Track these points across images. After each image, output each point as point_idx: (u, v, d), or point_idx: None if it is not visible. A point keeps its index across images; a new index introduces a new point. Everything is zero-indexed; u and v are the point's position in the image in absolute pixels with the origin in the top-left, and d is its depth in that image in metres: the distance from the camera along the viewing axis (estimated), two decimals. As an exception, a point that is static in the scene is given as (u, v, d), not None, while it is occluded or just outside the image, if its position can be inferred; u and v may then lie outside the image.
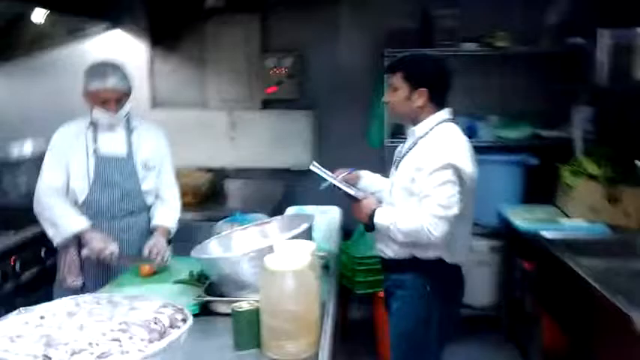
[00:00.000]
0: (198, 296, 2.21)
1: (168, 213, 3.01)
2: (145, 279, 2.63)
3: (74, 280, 2.79)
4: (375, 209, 2.48)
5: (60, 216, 2.74)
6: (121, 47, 4.49)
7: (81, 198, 2.81)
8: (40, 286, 3.12)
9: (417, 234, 2.36)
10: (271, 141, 4.56)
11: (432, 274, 2.47)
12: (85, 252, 2.70)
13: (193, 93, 4.64)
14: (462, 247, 2.52)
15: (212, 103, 4.59)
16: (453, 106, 2.54)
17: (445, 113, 2.50)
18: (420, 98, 2.46)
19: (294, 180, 4.41)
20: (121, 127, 2.90)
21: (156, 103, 4.64)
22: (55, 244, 2.78)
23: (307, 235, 2.32)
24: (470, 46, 4.17)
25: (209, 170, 4.51)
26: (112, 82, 2.76)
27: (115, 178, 2.84)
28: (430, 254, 2.45)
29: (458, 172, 2.33)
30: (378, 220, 2.46)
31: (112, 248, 2.69)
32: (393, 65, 2.55)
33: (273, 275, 1.84)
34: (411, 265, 2.49)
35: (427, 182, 2.34)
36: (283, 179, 4.52)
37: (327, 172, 2.59)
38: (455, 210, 2.32)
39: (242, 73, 4.54)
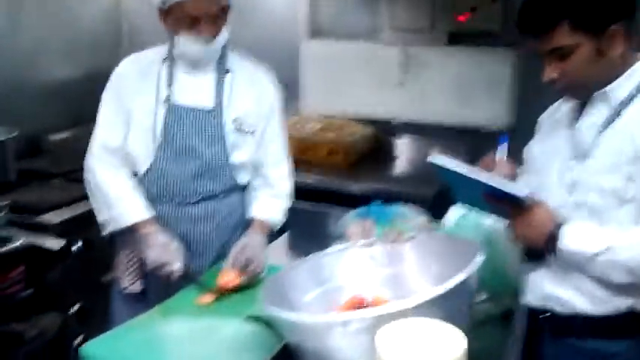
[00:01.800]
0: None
1: (271, 201, 2.08)
2: (209, 304, 1.80)
3: (131, 284, 2.00)
4: (560, 223, 1.45)
5: (114, 195, 1.93)
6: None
7: (142, 168, 1.97)
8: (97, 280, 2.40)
9: None
10: (457, 89, 3.32)
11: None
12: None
13: (362, 20, 3.54)
14: None
15: (384, 34, 3.47)
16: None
17: None
18: (616, 42, 1.43)
19: (485, 145, 3.16)
20: (211, 67, 1.97)
21: (314, 31, 3.65)
22: (103, 232, 1.99)
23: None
24: None
25: (370, 122, 3.46)
26: None
27: (191, 141, 1.95)
28: None
29: None
30: (569, 242, 1.43)
31: (176, 266, 1.84)
32: (540, 17, 1.43)
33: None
34: (630, 325, 1.49)
35: None
36: (470, 143, 3.30)
37: (461, 165, 1.48)
38: None
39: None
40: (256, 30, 3.54)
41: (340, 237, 2.07)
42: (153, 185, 1.97)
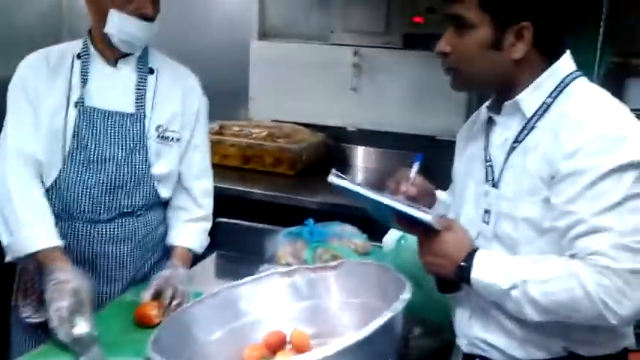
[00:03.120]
0: None
1: (194, 226, 1.88)
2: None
3: (31, 315, 1.77)
4: (473, 250, 1.27)
5: (22, 216, 1.68)
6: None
7: (49, 178, 1.73)
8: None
9: (579, 304, 1.16)
10: (413, 94, 3.15)
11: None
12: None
13: (315, 22, 3.35)
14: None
15: (334, 35, 3.28)
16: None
17: (567, 62, 1.30)
18: (520, 43, 1.25)
19: (440, 153, 3.00)
20: (132, 64, 1.77)
21: (265, 33, 3.45)
22: (6, 257, 1.75)
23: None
24: None
25: (322, 128, 3.27)
26: None
27: (107, 149, 1.73)
28: (608, 346, 1.27)
29: None
30: (481, 273, 1.25)
31: (62, 306, 1.52)
32: None
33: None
34: None
35: (586, 201, 1.16)
36: (425, 151, 3.13)
37: (361, 186, 1.33)
38: None
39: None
40: (207, 31, 3.35)
41: (270, 259, 1.89)
42: (61, 198, 1.73)
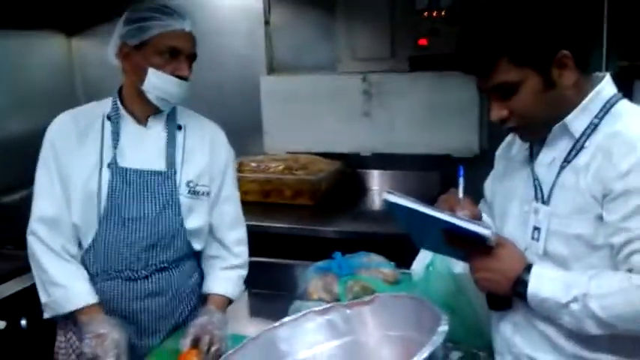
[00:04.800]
0: None
1: (228, 273, 1.91)
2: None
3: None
4: (529, 265, 1.30)
5: (53, 278, 1.74)
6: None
7: (85, 240, 1.78)
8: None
9: None
10: (424, 115, 3.19)
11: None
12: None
13: (322, 54, 3.40)
14: None
15: (342, 64, 3.34)
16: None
17: (609, 84, 1.34)
18: (566, 71, 1.27)
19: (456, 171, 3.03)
20: (162, 123, 1.83)
21: (275, 67, 3.52)
22: (44, 314, 1.81)
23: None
24: None
25: (334, 157, 3.32)
26: (189, 24, 1.74)
27: (141, 207, 1.77)
28: None
29: None
30: (538, 288, 1.28)
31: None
32: (477, 56, 1.28)
33: None
34: None
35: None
36: (440, 170, 3.18)
37: (418, 203, 1.31)
38: None
39: (382, 19, 3.18)
40: (217, 70, 3.42)
41: (302, 294, 1.92)
42: (98, 259, 1.77)
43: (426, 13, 3.08)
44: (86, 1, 3.52)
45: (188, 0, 1.88)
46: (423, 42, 3.12)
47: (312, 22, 3.38)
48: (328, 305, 1.51)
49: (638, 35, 2.78)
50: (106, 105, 1.82)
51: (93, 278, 1.77)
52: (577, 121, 1.31)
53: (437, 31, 3.06)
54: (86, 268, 1.78)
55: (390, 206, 1.35)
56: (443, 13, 3.06)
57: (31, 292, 1.87)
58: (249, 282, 2.16)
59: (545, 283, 1.28)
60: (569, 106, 1.31)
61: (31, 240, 1.77)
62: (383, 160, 3.34)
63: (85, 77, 3.73)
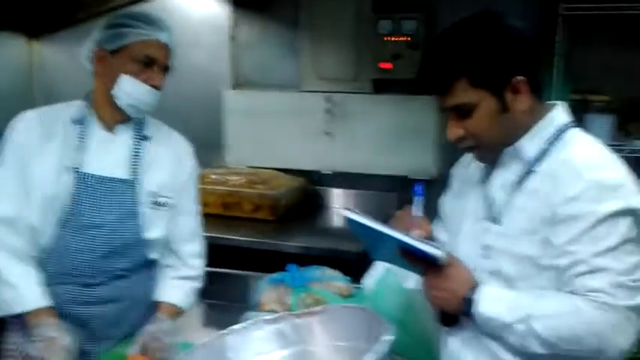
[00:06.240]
0: None
1: (181, 283, 1.91)
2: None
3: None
4: (476, 286, 1.35)
5: (6, 277, 1.72)
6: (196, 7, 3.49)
7: (41, 243, 1.76)
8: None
9: (582, 339, 1.25)
10: (384, 137, 3.27)
11: None
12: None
13: (287, 71, 3.46)
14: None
15: (306, 83, 3.40)
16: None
17: (561, 112, 1.40)
18: (520, 96, 1.34)
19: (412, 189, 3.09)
20: (128, 131, 1.82)
21: (239, 83, 3.55)
22: (-6, 314, 1.77)
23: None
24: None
25: (295, 174, 3.37)
26: (167, 36, 1.75)
27: (102, 215, 1.76)
28: None
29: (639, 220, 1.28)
30: (485, 307, 1.33)
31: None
32: (438, 76, 1.35)
33: None
34: None
35: (586, 243, 1.26)
36: (398, 191, 3.24)
37: (373, 221, 1.37)
38: None
39: (346, 41, 3.26)
40: (182, 83, 3.42)
41: (255, 305, 1.94)
42: (54, 263, 1.76)
43: (389, 38, 3.16)
44: (49, 5, 3.50)
45: (156, 11, 1.90)
46: (386, 65, 3.20)
47: (277, 40, 3.44)
48: (278, 314, 1.53)
49: (590, 70, 2.91)
50: (72, 108, 1.80)
51: (48, 281, 1.75)
52: (528, 145, 1.37)
53: (400, 56, 3.15)
54: (42, 271, 1.76)
55: (350, 223, 1.40)
56: (406, 39, 3.14)
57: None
58: (204, 292, 2.17)
59: (491, 303, 1.32)
60: (522, 130, 1.37)
61: None
62: (343, 179, 3.39)
63: (43, 80, 3.69)
